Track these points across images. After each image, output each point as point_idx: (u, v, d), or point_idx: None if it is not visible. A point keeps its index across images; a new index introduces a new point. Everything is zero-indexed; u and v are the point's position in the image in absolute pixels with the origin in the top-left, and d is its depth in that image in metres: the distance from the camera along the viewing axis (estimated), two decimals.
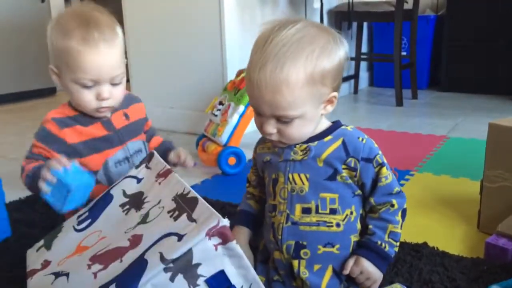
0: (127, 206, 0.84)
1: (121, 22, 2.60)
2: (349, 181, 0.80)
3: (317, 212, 0.80)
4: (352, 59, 3.21)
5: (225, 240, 0.63)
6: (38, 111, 3.06)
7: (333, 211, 0.80)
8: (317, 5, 2.61)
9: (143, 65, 2.42)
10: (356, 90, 3.33)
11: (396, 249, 0.82)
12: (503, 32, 3.01)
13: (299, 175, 0.81)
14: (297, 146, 0.81)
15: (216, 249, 0.63)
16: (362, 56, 3.30)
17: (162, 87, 2.40)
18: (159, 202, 0.78)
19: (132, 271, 0.63)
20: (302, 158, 0.80)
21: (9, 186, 1.52)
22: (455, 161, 1.77)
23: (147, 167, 0.90)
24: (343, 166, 0.80)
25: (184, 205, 0.71)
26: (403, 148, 1.97)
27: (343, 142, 0.80)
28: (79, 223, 0.87)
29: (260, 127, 0.79)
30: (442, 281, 0.95)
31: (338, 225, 0.80)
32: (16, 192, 1.52)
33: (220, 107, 1.81)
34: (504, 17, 3.00)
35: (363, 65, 3.50)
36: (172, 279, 0.62)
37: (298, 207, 0.81)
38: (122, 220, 0.80)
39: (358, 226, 0.83)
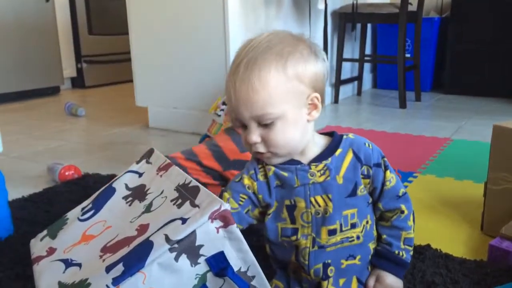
0: (130, 198, 0.87)
1: (125, 23, 2.61)
2: (365, 192, 0.79)
3: (341, 231, 0.78)
4: (355, 60, 3.20)
5: (226, 224, 0.67)
6: (42, 109, 3.07)
7: (353, 226, 0.78)
8: (321, 6, 2.60)
9: (147, 65, 2.43)
10: (359, 92, 3.33)
11: (411, 253, 0.82)
12: (508, 35, 3.00)
13: (321, 197, 0.77)
14: (313, 167, 0.77)
15: (217, 231, 0.67)
16: (366, 58, 3.30)
17: (165, 87, 2.40)
18: (161, 193, 0.80)
19: (138, 252, 0.67)
20: (324, 179, 0.77)
21: (12, 184, 1.52)
22: (458, 163, 1.76)
23: (147, 162, 0.93)
24: (361, 176, 0.78)
25: (186, 193, 0.74)
26: (406, 150, 1.97)
27: (354, 153, 0.78)
28: (83, 214, 0.90)
29: (245, 140, 0.76)
30: (445, 283, 0.94)
31: (358, 237, 0.79)
32: (19, 190, 1.52)
33: (223, 107, 1.81)
34: (508, 19, 2.99)
35: (367, 66, 3.49)
36: (176, 258, 0.65)
37: (324, 230, 0.78)
38: (126, 211, 0.84)
39: (375, 233, 0.82)
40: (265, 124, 0.73)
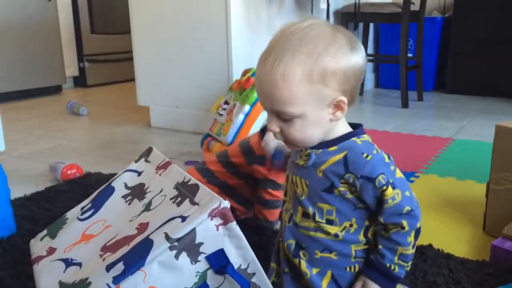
0: (130, 197, 0.87)
1: (128, 22, 2.61)
2: (349, 195, 0.76)
3: (314, 220, 0.78)
4: None
5: (226, 221, 0.67)
6: (44, 108, 3.08)
7: (329, 222, 0.77)
8: (323, 5, 2.60)
9: (149, 64, 2.43)
10: (361, 91, 3.32)
11: (408, 268, 0.78)
12: (510, 34, 3.00)
13: (300, 179, 0.79)
14: (303, 150, 0.78)
15: (217, 229, 0.67)
16: (368, 57, 3.29)
17: (167, 87, 2.40)
18: (161, 191, 0.81)
19: (138, 250, 0.67)
20: (303, 164, 0.78)
21: (14, 183, 1.53)
22: (461, 163, 1.76)
23: (146, 160, 0.94)
24: (342, 181, 0.75)
25: (185, 191, 0.75)
26: (408, 150, 1.97)
27: (345, 157, 0.75)
28: (82, 213, 0.90)
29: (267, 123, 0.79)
30: (447, 283, 0.94)
31: (336, 235, 0.77)
32: (21, 189, 1.52)
33: (225, 106, 1.81)
34: (511, 19, 2.98)
35: (369, 66, 3.49)
36: (176, 256, 0.66)
37: (299, 210, 0.79)
38: (126, 210, 0.84)
39: (361, 237, 0.79)
40: (284, 119, 0.74)
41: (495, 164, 1.15)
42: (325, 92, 0.72)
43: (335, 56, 0.71)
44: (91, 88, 3.88)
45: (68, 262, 0.77)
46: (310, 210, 0.78)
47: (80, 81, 3.94)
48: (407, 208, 0.75)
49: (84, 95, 3.60)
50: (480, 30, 3.08)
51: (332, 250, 0.78)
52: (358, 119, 2.89)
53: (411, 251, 0.77)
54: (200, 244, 0.67)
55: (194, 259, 0.67)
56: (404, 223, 0.75)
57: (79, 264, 0.75)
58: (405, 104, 2.82)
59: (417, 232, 0.77)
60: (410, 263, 0.78)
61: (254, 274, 0.70)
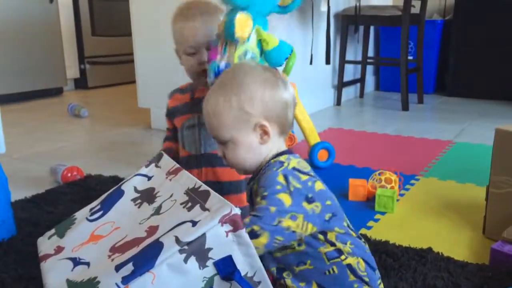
0: (139, 200, 0.88)
1: (129, 24, 2.60)
2: None
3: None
4: (358, 62, 3.20)
5: (235, 228, 0.68)
6: (45, 110, 3.08)
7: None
8: (324, 8, 2.61)
9: (150, 66, 2.43)
10: (362, 94, 3.33)
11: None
12: (510, 37, 3.00)
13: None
14: (250, 186, 0.87)
15: (227, 235, 0.68)
16: (369, 60, 3.30)
17: (168, 89, 2.40)
18: (171, 196, 0.82)
19: (148, 252, 0.68)
20: (249, 198, 0.88)
21: (15, 185, 1.53)
22: (461, 166, 1.76)
23: (156, 166, 0.95)
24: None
25: (196, 197, 0.76)
26: (408, 153, 1.97)
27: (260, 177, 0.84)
28: (91, 214, 0.91)
29: None
30: (446, 287, 0.94)
31: (299, 244, 0.81)
32: (22, 191, 1.53)
33: None
34: (511, 22, 2.99)
35: (369, 69, 3.49)
36: (185, 260, 0.66)
37: None
38: (135, 212, 0.85)
39: (321, 237, 0.81)
40: (221, 143, 0.86)
41: (495, 168, 1.15)
42: (246, 116, 0.83)
43: (252, 87, 0.83)
44: (92, 90, 3.89)
45: (76, 261, 0.78)
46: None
47: (81, 83, 3.94)
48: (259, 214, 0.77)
49: (85, 97, 3.60)
50: (480, 33, 3.09)
51: (305, 260, 0.81)
52: (358, 121, 2.90)
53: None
54: (209, 249, 0.67)
55: (202, 264, 0.67)
56: (247, 218, 0.78)
57: (87, 264, 0.76)
58: (405, 107, 2.82)
59: (251, 235, 0.75)
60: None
61: (259, 282, 0.71)
